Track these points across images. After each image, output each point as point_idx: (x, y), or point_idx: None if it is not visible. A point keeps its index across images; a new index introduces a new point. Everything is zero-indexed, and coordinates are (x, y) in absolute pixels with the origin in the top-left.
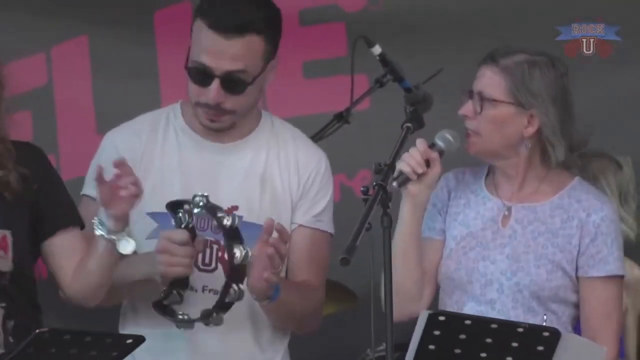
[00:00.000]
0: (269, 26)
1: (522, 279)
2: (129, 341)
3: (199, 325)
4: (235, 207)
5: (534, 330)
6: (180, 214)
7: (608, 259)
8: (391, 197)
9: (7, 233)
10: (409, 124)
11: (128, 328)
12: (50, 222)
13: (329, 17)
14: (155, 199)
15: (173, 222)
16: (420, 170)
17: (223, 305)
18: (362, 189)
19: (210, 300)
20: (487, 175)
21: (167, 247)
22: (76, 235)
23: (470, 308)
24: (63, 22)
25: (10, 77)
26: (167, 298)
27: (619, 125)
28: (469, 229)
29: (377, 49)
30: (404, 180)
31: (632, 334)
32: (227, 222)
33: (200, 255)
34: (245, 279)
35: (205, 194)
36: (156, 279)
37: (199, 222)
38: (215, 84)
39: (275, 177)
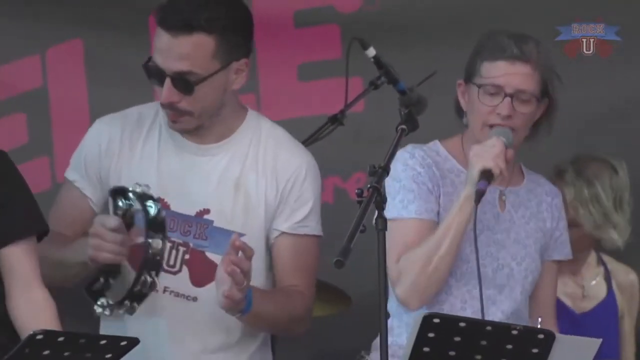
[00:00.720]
0: (224, 27)
1: (529, 265)
2: (123, 343)
3: (176, 327)
4: (207, 211)
5: (528, 333)
6: (120, 202)
7: (566, 243)
8: (385, 199)
9: None
10: (403, 126)
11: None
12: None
13: (324, 18)
14: None
15: (111, 208)
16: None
17: (134, 294)
18: (356, 191)
19: (170, 302)
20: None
21: (99, 231)
22: (25, 250)
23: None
24: (58, 24)
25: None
26: (94, 284)
27: (619, 125)
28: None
29: (371, 51)
30: (490, 178)
31: (629, 339)
32: (151, 210)
33: (165, 256)
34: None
35: (146, 184)
36: (88, 262)
37: (169, 223)
38: (167, 83)
39: (251, 183)
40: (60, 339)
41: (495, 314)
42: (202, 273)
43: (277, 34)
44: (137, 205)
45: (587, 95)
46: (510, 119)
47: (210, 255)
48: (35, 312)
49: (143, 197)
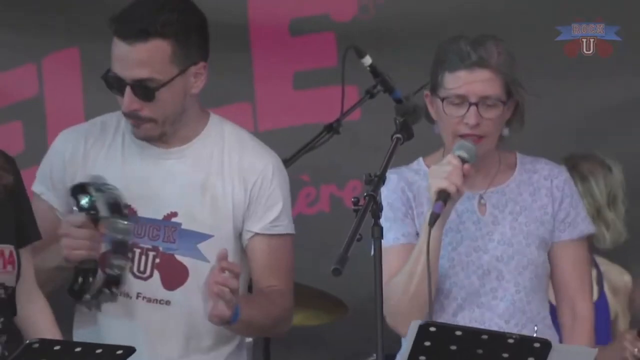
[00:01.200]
0: (179, 30)
1: (520, 261)
2: (119, 352)
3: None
4: (174, 214)
5: (524, 341)
6: (81, 198)
7: (577, 220)
8: (381, 207)
9: (12, 248)
10: (398, 135)
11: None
12: (20, 238)
13: (319, 27)
14: None
15: (75, 208)
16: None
17: (109, 280)
18: (353, 199)
19: (144, 308)
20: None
21: (67, 230)
22: (28, 255)
23: (471, 302)
24: (54, 33)
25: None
26: (74, 284)
27: (619, 125)
28: (447, 226)
29: (367, 60)
30: (446, 198)
31: None
32: (108, 195)
33: (135, 262)
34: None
35: (99, 175)
36: (64, 264)
37: (136, 229)
38: (127, 92)
39: (217, 185)
40: (56, 347)
41: (492, 319)
42: (173, 276)
43: (272, 42)
44: (96, 196)
45: (587, 95)
46: (479, 126)
47: (179, 257)
48: (35, 317)
49: (100, 186)
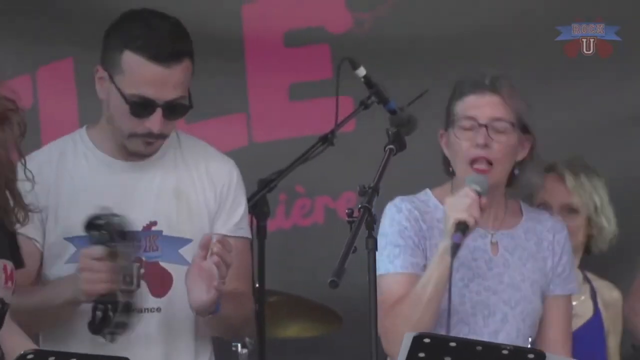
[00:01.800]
0: (192, 48)
1: (525, 307)
2: None
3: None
4: (154, 223)
5: (519, 353)
6: (95, 233)
7: (570, 277)
8: (376, 219)
9: (12, 264)
10: (391, 146)
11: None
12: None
13: (314, 39)
14: (71, 224)
15: (90, 239)
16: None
17: (126, 307)
18: (347, 211)
19: (136, 319)
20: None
21: (88, 264)
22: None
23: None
24: (48, 43)
25: None
26: (95, 318)
27: (619, 125)
28: (459, 260)
29: (361, 71)
30: (465, 230)
31: (614, 357)
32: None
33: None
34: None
35: (105, 206)
36: (81, 298)
37: None
38: (158, 113)
39: (190, 191)
40: (51, 358)
41: None
42: (159, 283)
43: (267, 54)
44: (110, 228)
45: (587, 95)
46: (488, 148)
47: (163, 264)
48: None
49: (110, 217)
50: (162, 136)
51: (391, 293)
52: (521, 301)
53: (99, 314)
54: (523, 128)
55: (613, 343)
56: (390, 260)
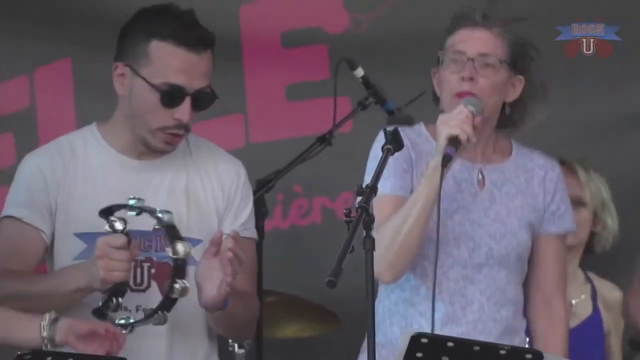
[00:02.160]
0: None
1: (510, 242)
2: None
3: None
4: None
5: (516, 353)
6: (114, 221)
7: (565, 215)
8: (373, 219)
9: None
10: (389, 146)
11: None
12: None
13: (312, 39)
14: (82, 220)
15: (108, 228)
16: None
17: (166, 303)
18: (344, 211)
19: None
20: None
21: (107, 251)
22: None
23: (457, 272)
24: (46, 44)
25: None
26: (107, 305)
27: (619, 125)
28: (444, 191)
29: (359, 72)
30: (457, 145)
31: (616, 356)
32: (164, 217)
33: (132, 275)
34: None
35: (139, 197)
36: (95, 286)
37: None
38: (187, 102)
39: (199, 190)
40: (48, 359)
41: (474, 294)
42: None
43: (265, 54)
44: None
45: (587, 95)
46: (474, 82)
47: None
48: None
49: (151, 210)
50: (188, 128)
51: (381, 213)
52: (506, 235)
53: (113, 301)
54: (516, 68)
55: (615, 343)
56: (381, 183)
